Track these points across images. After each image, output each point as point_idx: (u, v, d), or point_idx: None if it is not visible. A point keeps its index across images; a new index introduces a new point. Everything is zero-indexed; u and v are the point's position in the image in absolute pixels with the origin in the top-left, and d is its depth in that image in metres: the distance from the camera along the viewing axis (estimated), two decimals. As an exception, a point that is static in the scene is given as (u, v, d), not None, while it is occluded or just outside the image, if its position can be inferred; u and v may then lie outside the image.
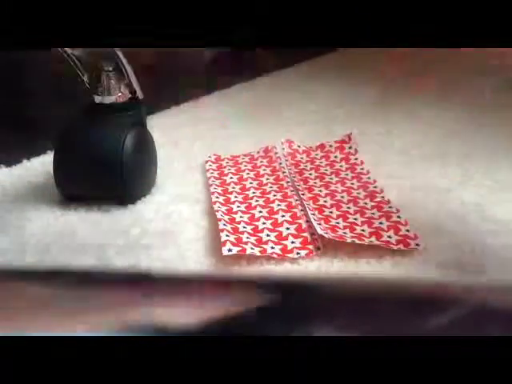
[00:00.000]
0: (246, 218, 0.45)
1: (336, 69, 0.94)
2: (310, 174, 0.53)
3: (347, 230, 0.43)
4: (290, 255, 0.40)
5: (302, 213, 0.45)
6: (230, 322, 0.18)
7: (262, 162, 0.56)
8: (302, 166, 0.55)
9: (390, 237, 0.41)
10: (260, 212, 0.46)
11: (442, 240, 0.42)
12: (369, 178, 0.52)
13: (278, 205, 0.46)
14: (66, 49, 0.45)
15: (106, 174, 0.46)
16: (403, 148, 0.61)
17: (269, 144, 0.59)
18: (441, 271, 0.39)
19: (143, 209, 0.48)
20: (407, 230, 0.42)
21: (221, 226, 0.42)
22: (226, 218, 0.44)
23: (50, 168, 0.47)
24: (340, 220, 0.44)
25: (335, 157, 0.57)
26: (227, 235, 0.41)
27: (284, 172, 0.53)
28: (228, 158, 0.58)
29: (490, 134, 0.65)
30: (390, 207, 0.45)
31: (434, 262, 0.40)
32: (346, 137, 0.59)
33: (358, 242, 0.41)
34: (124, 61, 0.47)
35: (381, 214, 0.45)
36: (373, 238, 0.42)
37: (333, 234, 0.41)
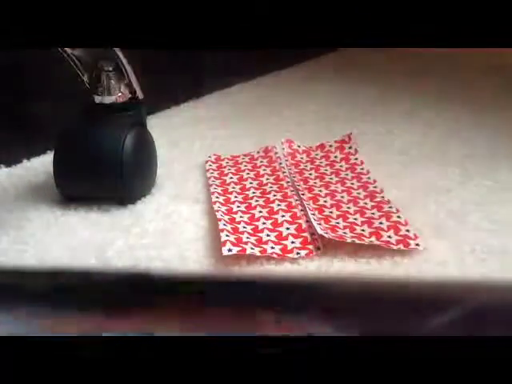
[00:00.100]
0: (246, 218, 0.45)
1: (336, 69, 0.94)
2: (310, 174, 0.53)
3: (347, 230, 0.43)
4: (290, 255, 0.40)
5: (302, 213, 0.45)
6: (229, 322, 0.18)
7: (261, 162, 0.56)
8: (302, 166, 0.55)
9: (390, 237, 0.41)
10: (260, 212, 0.46)
11: (442, 240, 0.42)
12: (369, 178, 0.52)
13: (278, 205, 0.46)
14: (66, 49, 0.45)
15: (106, 174, 0.46)
16: (403, 148, 0.61)
17: (269, 144, 0.59)
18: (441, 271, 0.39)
19: (143, 209, 0.48)
20: (407, 230, 0.42)
21: (221, 226, 0.42)
22: (226, 217, 0.44)
23: (50, 168, 0.47)
24: (340, 220, 0.44)
25: (335, 157, 0.57)
26: (227, 235, 0.40)
27: (284, 172, 0.53)
28: (228, 158, 0.58)
29: (490, 134, 0.65)
30: (390, 207, 0.45)
31: (434, 261, 0.40)
32: (345, 137, 0.59)
33: (358, 241, 0.41)
34: (124, 61, 0.47)
35: (381, 213, 0.45)
36: (373, 238, 0.42)
37: (333, 234, 0.41)
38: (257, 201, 0.48)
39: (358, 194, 0.49)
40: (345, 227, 0.43)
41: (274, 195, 0.48)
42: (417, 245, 0.40)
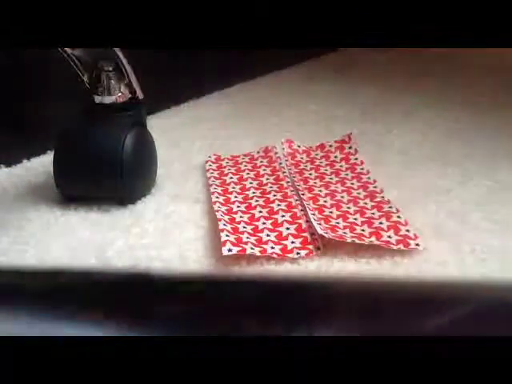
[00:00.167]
0: (246, 218, 0.45)
1: (336, 69, 0.94)
2: (310, 174, 0.53)
3: (347, 230, 0.43)
4: (290, 255, 0.40)
5: (302, 213, 0.45)
6: (229, 322, 0.18)
7: (261, 161, 0.56)
8: (302, 166, 0.55)
9: (390, 237, 0.41)
10: (260, 212, 0.46)
11: (442, 240, 0.42)
12: (369, 178, 0.52)
13: (278, 205, 0.46)
14: (66, 49, 0.45)
15: (106, 174, 0.46)
16: (403, 148, 0.61)
17: (269, 144, 0.59)
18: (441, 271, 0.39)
19: (143, 209, 0.48)
20: (407, 230, 0.42)
21: (221, 226, 0.42)
22: (226, 218, 0.44)
23: (50, 168, 0.47)
24: (340, 220, 0.44)
25: (335, 157, 0.57)
26: (227, 235, 0.40)
27: (284, 172, 0.53)
28: (228, 158, 0.58)
29: (490, 134, 0.65)
30: (390, 207, 0.45)
31: (434, 261, 0.40)
32: (346, 137, 0.59)
33: (358, 241, 0.41)
34: (124, 61, 0.47)
35: (381, 213, 0.45)
36: (373, 238, 0.42)
37: (333, 234, 0.41)
38: (257, 201, 0.48)
39: (358, 194, 0.49)
40: (345, 227, 0.43)
41: (274, 195, 0.48)
42: (417, 245, 0.40)
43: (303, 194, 0.48)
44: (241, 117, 0.73)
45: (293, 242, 0.41)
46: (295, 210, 0.45)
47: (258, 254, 0.40)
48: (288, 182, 0.51)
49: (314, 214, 0.44)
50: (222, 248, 0.39)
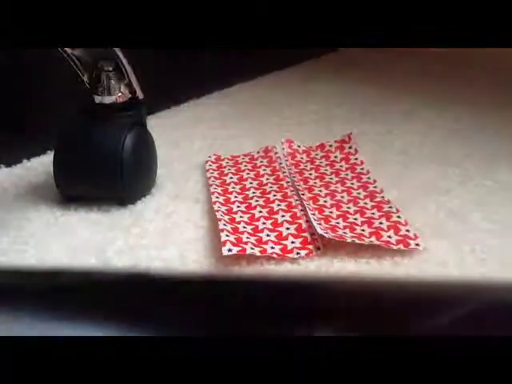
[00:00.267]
0: (246, 218, 0.45)
1: (336, 69, 0.94)
2: (310, 174, 0.53)
3: (347, 230, 0.43)
4: (290, 255, 0.40)
5: (302, 213, 0.45)
6: (229, 322, 0.18)
7: (261, 161, 0.56)
8: (302, 166, 0.55)
9: (390, 237, 0.41)
10: (260, 212, 0.46)
11: (442, 240, 0.42)
12: (369, 177, 0.52)
13: (278, 205, 0.46)
14: (66, 49, 0.45)
15: (106, 173, 0.46)
16: (403, 148, 0.61)
17: (269, 144, 0.59)
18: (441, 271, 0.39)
19: (143, 209, 0.48)
20: (407, 230, 0.42)
21: (221, 226, 0.42)
22: (226, 218, 0.44)
23: (50, 168, 0.47)
24: (340, 220, 0.44)
25: (335, 157, 0.57)
26: (227, 235, 0.40)
27: (284, 172, 0.53)
28: (228, 158, 0.58)
29: (490, 134, 0.65)
30: (390, 207, 0.45)
31: (434, 261, 0.40)
32: (345, 137, 0.59)
33: (358, 241, 0.41)
34: (124, 61, 0.47)
35: (381, 213, 0.45)
36: (373, 238, 0.42)
37: (333, 234, 0.41)
38: (257, 201, 0.48)
39: (358, 193, 0.49)
40: (345, 227, 0.43)
41: (274, 195, 0.48)
42: (417, 245, 0.40)
43: (303, 194, 0.48)
44: (241, 117, 0.73)
45: (293, 242, 0.41)
46: (295, 209, 0.45)
47: (258, 253, 0.40)
48: (288, 182, 0.51)
49: (314, 214, 0.44)
50: (222, 248, 0.39)
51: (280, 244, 0.41)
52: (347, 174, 0.53)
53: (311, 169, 0.55)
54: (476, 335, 0.17)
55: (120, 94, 0.48)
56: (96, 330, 0.18)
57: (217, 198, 0.48)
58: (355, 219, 0.44)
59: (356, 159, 0.55)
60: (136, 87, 0.49)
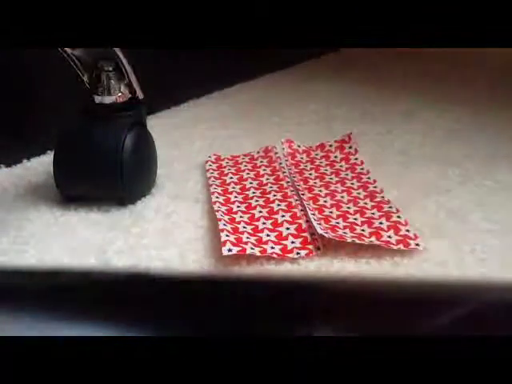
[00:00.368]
0: (246, 218, 0.45)
1: (336, 69, 0.94)
2: (310, 174, 0.53)
3: (347, 230, 0.43)
4: (290, 255, 0.40)
5: (302, 213, 0.45)
6: (229, 322, 0.18)
7: (262, 161, 0.56)
8: (302, 166, 0.55)
9: (390, 237, 0.41)
10: (260, 212, 0.46)
11: (442, 240, 0.42)
12: (369, 177, 0.52)
13: (278, 205, 0.46)
14: (66, 49, 0.45)
15: (106, 174, 0.46)
16: (403, 148, 0.61)
17: (269, 144, 0.59)
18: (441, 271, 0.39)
19: (143, 209, 0.48)
20: (407, 230, 0.42)
21: (221, 226, 0.42)
22: (226, 218, 0.44)
23: (50, 168, 0.47)
24: (340, 220, 0.44)
25: (335, 157, 0.57)
26: (227, 235, 0.40)
27: (284, 172, 0.53)
28: (228, 158, 0.58)
29: (490, 134, 0.65)
30: (390, 207, 0.45)
31: (434, 261, 0.40)
32: (345, 137, 0.59)
33: (358, 241, 0.41)
34: (124, 61, 0.47)
35: (381, 214, 0.45)
36: (373, 238, 0.42)
37: (333, 234, 0.41)
38: (257, 201, 0.48)
39: (358, 193, 0.49)
40: (345, 227, 0.43)
41: (274, 195, 0.48)
42: (417, 245, 0.40)
43: (303, 194, 0.48)
44: (241, 117, 0.73)
45: (293, 242, 0.41)
46: (295, 209, 0.45)
47: (258, 253, 0.40)
48: (288, 181, 0.51)
49: (314, 214, 0.44)
50: (222, 248, 0.39)
51: (280, 244, 0.41)
52: (347, 174, 0.53)
53: (311, 169, 0.55)
54: (476, 335, 0.17)
55: (120, 94, 0.48)
56: (96, 329, 0.18)
57: (217, 197, 0.48)
58: (355, 219, 0.44)
59: (356, 159, 0.55)
60: (136, 87, 0.49)
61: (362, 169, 0.53)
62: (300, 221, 0.44)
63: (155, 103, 0.70)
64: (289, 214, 0.45)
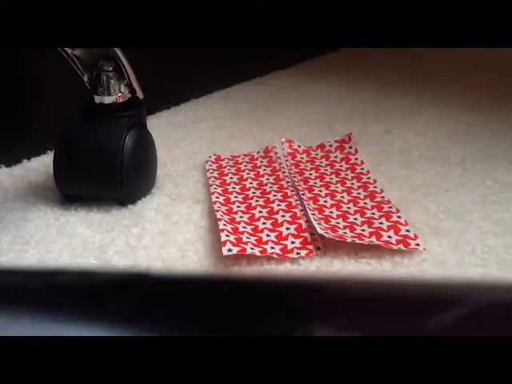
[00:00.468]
0: (246, 218, 0.45)
1: (336, 69, 0.94)
2: (310, 174, 0.53)
3: (347, 230, 0.43)
4: (290, 255, 0.40)
5: (302, 213, 0.45)
6: (229, 322, 0.18)
7: (262, 161, 0.56)
8: (302, 166, 0.55)
9: (390, 237, 0.41)
10: (260, 212, 0.46)
11: (442, 240, 0.42)
12: (369, 178, 0.52)
13: (278, 205, 0.46)
14: (66, 49, 0.45)
15: (106, 174, 0.46)
16: (403, 148, 0.61)
17: (269, 144, 0.59)
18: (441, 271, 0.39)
19: (143, 209, 0.48)
20: (407, 230, 0.42)
21: (221, 226, 0.42)
22: (226, 218, 0.44)
23: (50, 168, 0.47)
24: (340, 220, 0.44)
25: (335, 157, 0.57)
26: (227, 235, 0.40)
27: (284, 172, 0.53)
28: (228, 158, 0.58)
29: (491, 134, 0.65)
30: (390, 207, 0.45)
31: (434, 261, 0.40)
32: (346, 137, 0.59)
33: (358, 241, 0.41)
34: (124, 61, 0.47)
35: (381, 214, 0.45)
36: (373, 238, 0.42)
37: (333, 234, 0.41)
38: (257, 201, 0.48)
39: (358, 194, 0.49)
40: (345, 227, 0.43)
41: (274, 195, 0.48)
42: (417, 245, 0.40)
43: (303, 194, 0.48)
44: (241, 117, 0.73)
45: (293, 242, 0.41)
46: (295, 210, 0.45)
47: (258, 253, 0.40)
48: (288, 182, 0.51)
49: (314, 214, 0.44)
50: (222, 248, 0.39)
51: (280, 244, 0.41)
52: (347, 174, 0.53)
53: (311, 169, 0.55)
54: (476, 335, 0.17)
55: (120, 94, 0.48)
56: (96, 330, 0.18)
57: (217, 198, 0.48)
58: (355, 219, 0.44)
59: (356, 159, 0.55)
60: (136, 87, 0.49)
61: (362, 169, 0.53)
62: (300, 221, 0.44)
63: (155, 103, 0.70)
64: (289, 214, 0.45)
